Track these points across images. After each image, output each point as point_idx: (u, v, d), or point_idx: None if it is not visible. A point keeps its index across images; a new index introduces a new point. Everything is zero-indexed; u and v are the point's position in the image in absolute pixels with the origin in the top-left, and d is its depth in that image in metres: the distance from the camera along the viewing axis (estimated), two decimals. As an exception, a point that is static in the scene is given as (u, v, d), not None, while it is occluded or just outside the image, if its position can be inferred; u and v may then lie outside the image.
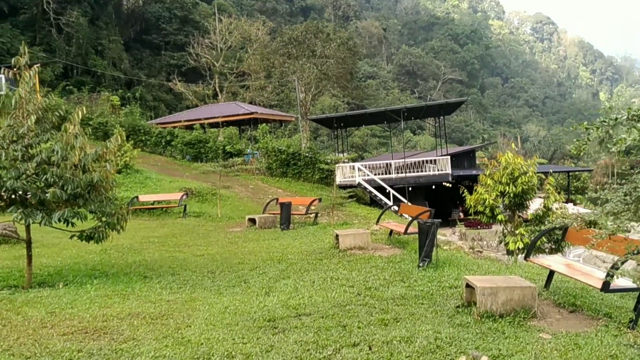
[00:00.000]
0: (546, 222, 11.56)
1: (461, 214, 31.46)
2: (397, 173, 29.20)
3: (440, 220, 9.92)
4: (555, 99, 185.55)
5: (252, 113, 35.39)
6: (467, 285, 6.86)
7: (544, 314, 6.54)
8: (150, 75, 67.24)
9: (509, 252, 12.58)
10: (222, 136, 36.05)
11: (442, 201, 29.87)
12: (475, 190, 12.19)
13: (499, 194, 11.69)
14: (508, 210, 11.99)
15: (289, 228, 16.30)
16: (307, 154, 31.42)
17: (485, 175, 12.30)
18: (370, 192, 27.83)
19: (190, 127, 35.54)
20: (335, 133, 36.43)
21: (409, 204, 21.77)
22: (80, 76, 56.62)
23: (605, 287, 5.84)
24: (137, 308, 7.33)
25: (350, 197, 17.71)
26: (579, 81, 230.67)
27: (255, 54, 51.72)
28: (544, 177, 12.61)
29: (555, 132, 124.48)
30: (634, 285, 6.22)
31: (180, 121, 37.14)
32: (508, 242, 11.65)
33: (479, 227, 29.19)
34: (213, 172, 21.77)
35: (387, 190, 27.81)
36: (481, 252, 15.95)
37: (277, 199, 19.31)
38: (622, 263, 6.01)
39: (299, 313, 6.81)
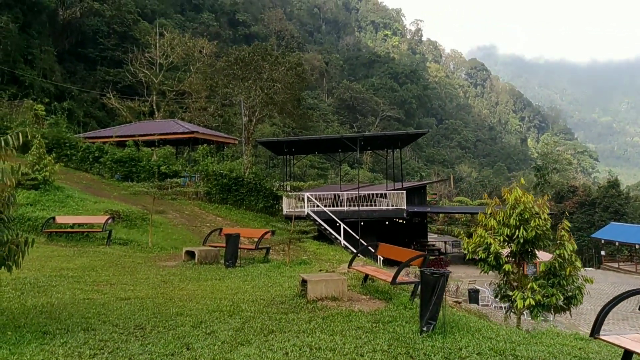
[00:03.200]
0: (561, 276, 9.55)
1: (413, 253, 29.55)
2: (349, 206, 27.04)
3: (450, 271, 7.67)
4: (486, 142, 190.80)
5: (192, 132, 32.55)
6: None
7: None
8: (83, 90, 63.07)
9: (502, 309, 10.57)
10: (157, 156, 32.93)
11: (395, 238, 27.90)
12: (475, 232, 10.08)
13: (506, 238, 9.61)
14: (513, 259, 9.94)
15: (235, 265, 13.65)
16: (251, 180, 28.84)
17: (485, 214, 10.20)
18: (320, 224, 25.49)
19: (122, 144, 32.30)
20: (284, 159, 34.15)
21: (365, 241, 19.59)
22: (5, 85, 52.09)
23: None
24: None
25: (305, 232, 15.19)
26: (508, 127, 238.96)
27: (198, 73, 48.82)
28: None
29: (485, 174, 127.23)
30: None
31: (111, 137, 33.81)
32: (514, 299, 9.54)
33: (432, 268, 27.40)
34: (146, 193, 18.85)
35: (337, 224, 25.57)
36: (459, 302, 13.88)
37: (221, 229, 16.61)
38: None
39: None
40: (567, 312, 9.87)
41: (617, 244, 42.52)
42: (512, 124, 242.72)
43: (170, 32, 53.31)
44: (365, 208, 26.85)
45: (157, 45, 50.19)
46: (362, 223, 26.06)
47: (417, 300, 9.14)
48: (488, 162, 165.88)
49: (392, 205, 27.06)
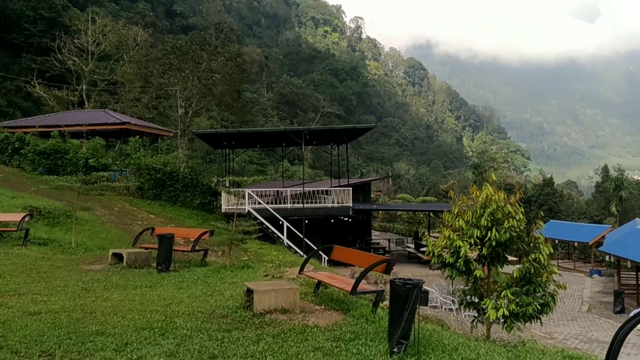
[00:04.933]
0: (537, 283, 8.63)
1: (358, 252, 28.63)
2: (293, 203, 25.80)
3: (423, 280, 6.59)
4: (423, 140, 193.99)
5: (124, 123, 30.47)
6: None
7: None
8: (6, 78, 58.89)
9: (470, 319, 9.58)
10: (86, 148, 30.67)
11: (340, 237, 26.90)
12: (441, 233, 9.04)
13: (477, 240, 8.61)
14: (482, 263, 8.96)
15: (168, 270, 12.17)
16: (186, 175, 27.14)
17: (451, 213, 9.18)
18: (262, 223, 24.13)
19: (46, 135, 29.85)
20: (222, 153, 32.50)
21: (302, 241, 18.34)
22: None
23: None
24: None
25: (249, 232, 13.82)
26: (445, 125, 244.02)
27: (132, 62, 46.26)
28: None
29: (422, 172, 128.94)
30: None
31: (34, 126, 31.22)
32: (485, 308, 8.55)
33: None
34: (69, 188, 16.97)
35: (280, 222, 24.30)
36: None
37: (154, 229, 15.02)
38: None
39: None
40: (539, 321, 9.01)
41: (556, 241, 43.08)
42: (448, 122, 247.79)
43: (103, 19, 50.42)
44: (310, 205, 25.68)
45: (89, 32, 47.29)
46: (306, 221, 24.91)
47: (380, 312, 8.05)
48: (425, 160, 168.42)
49: (338, 203, 26.03)
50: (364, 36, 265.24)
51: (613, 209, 64.81)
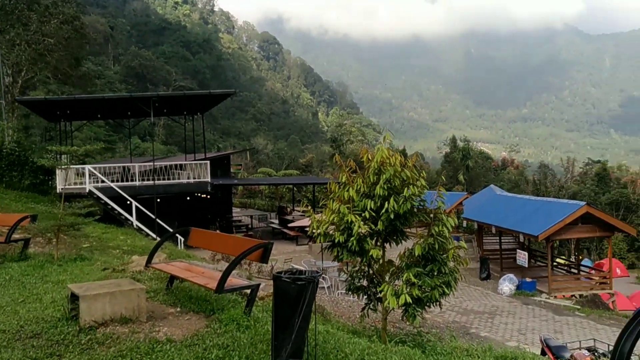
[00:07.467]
0: (441, 261, 7.22)
1: (218, 231, 26.42)
2: (142, 180, 22.90)
3: (320, 273, 4.79)
4: (280, 115, 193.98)
5: None
6: None
7: None
8: None
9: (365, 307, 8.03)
10: None
11: (198, 216, 24.52)
12: (327, 207, 7.30)
13: (371, 213, 6.98)
14: (377, 240, 7.37)
15: (-26, 268, 9.32)
16: (12, 151, 23.14)
17: (337, 183, 7.48)
18: (106, 203, 21.07)
19: None
20: (60, 129, 28.36)
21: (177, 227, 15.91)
22: None
23: None
24: None
25: (89, 214, 11.37)
26: (300, 101, 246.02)
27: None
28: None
29: (280, 146, 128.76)
30: None
31: None
32: (383, 295, 6.98)
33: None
34: None
35: (128, 202, 21.41)
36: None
37: (-43, 216, 11.82)
38: None
39: None
40: (437, 305, 7.67)
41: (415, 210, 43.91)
42: (304, 98, 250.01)
43: None
44: (162, 182, 22.98)
45: None
46: (158, 200, 22.22)
47: (256, 311, 6.16)
48: (282, 135, 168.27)
49: (194, 178, 23.60)
50: (216, 9, 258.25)
51: (461, 177, 68.40)
